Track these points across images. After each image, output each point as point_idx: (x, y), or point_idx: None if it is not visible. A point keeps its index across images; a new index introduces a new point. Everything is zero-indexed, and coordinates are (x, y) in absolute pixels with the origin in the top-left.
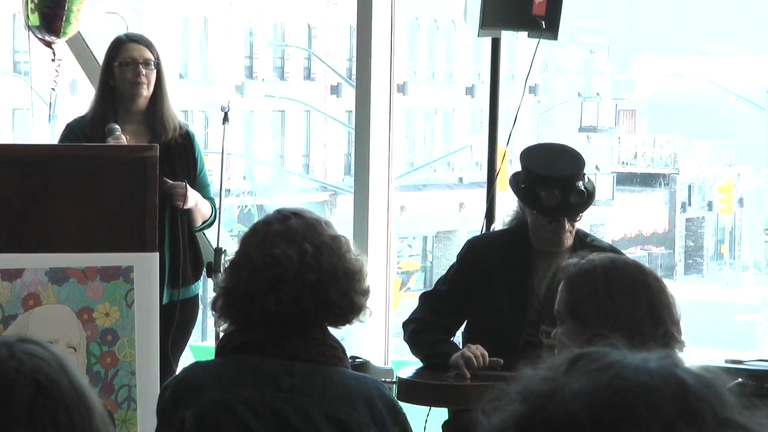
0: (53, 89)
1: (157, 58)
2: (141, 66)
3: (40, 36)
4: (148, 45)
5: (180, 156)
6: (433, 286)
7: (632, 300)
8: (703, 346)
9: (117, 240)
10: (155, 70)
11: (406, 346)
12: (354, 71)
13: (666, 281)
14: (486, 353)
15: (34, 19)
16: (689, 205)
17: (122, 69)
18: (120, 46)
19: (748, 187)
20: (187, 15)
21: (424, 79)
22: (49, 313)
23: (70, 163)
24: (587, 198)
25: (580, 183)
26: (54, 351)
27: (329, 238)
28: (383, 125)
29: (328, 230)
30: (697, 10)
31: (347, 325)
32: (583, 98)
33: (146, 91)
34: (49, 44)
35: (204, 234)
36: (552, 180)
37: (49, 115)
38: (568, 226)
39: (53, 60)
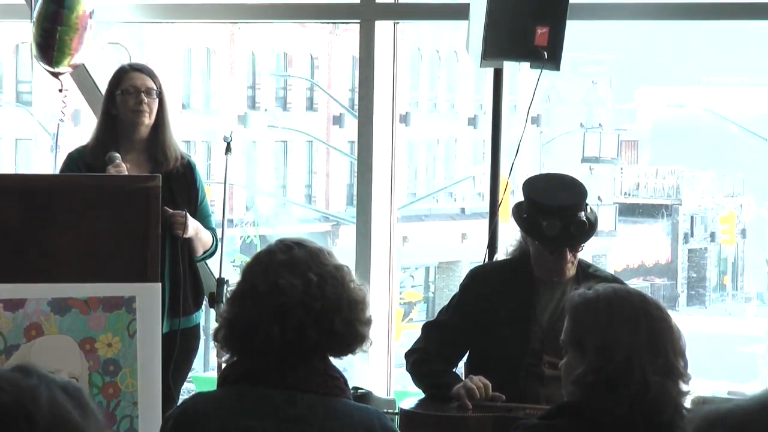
0: (61, 120)
1: (160, 88)
2: (143, 95)
3: (42, 66)
4: (151, 74)
5: (181, 186)
6: (435, 317)
7: (631, 330)
8: (705, 378)
9: (119, 270)
10: (157, 100)
11: (408, 376)
12: (356, 102)
13: (668, 312)
14: (488, 384)
15: (34, 49)
16: (692, 236)
17: (124, 97)
18: (122, 74)
19: (751, 218)
20: (190, 45)
21: (427, 110)
22: (51, 343)
23: (73, 193)
24: (589, 228)
25: (582, 213)
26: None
27: (333, 267)
28: (385, 156)
29: (331, 260)
30: (699, 41)
31: (350, 355)
32: (585, 129)
33: (148, 120)
34: (56, 75)
35: (206, 264)
36: (553, 210)
37: (53, 146)
38: (569, 256)
39: (60, 91)
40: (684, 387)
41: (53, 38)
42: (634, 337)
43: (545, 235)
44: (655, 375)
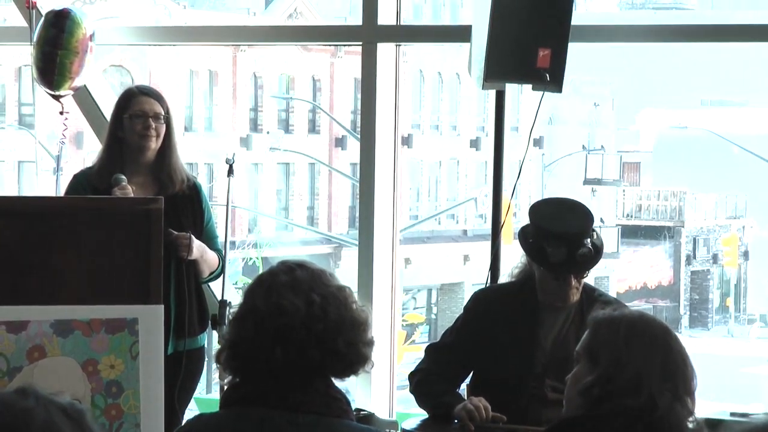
0: (62, 142)
1: (167, 112)
2: (151, 119)
3: (43, 89)
4: (159, 98)
5: (186, 208)
6: (438, 338)
7: (647, 353)
8: (708, 399)
9: (122, 292)
10: (165, 124)
11: (410, 398)
12: (359, 124)
13: (689, 355)
14: (488, 405)
15: (35, 72)
16: (694, 257)
17: (132, 121)
18: (131, 98)
19: (754, 240)
20: (193, 68)
21: (429, 132)
22: (53, 365)
23: (75, 215)
24: (594, 255)
25: (588, 240)
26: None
27: (335, 288)
28: (388, 178)
29: (333, 281)
30: (700, 63)
31: (352, 376)
32: (587, 150)
33: (154, 144)
34: (57, 97)
35: (209, 286)
36: (559, 236)
37: (55, 168)
38: (574, 282)
39: (61, 113)
40: (690, 425)
41: (53, 62)
42: (649, 360)
43: (550, 262)
44: (663, 396)
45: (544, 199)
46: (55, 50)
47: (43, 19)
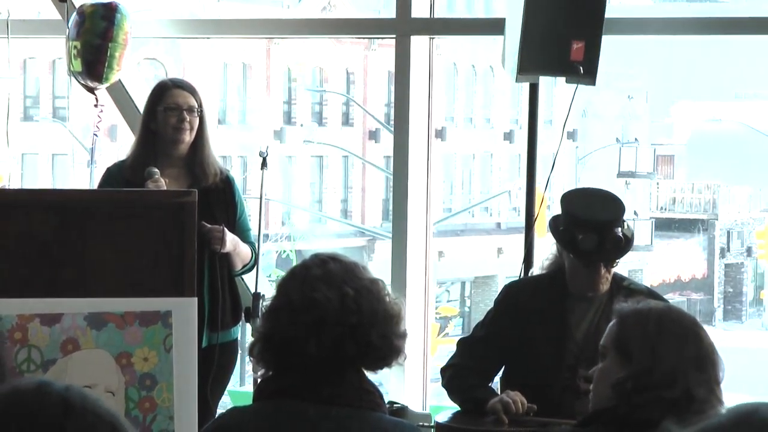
0: (95, 135)
1: (200, 105)
2: (185, 112)
3: (83, 82)
4: (192, 91)
5: (219, 200)
6: (471, 332)
7: (680, 344)
8: (741, 392)
9: (155, 285)
10: (198, 117)
11: (443, 391)
12: (392, 117)
13: (705, 327)
14: (524, 399)
15: (77, 65)
16: (728, 250)
17: (166, 114)
18: (165, 91)
19: None
20: (226, 60)
21: (462, 125)
22: (87, 357)
23: (109, 207)
24: (624, 245)
25: (618, 229)
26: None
27: (368, 281)
28: (421, 170)
29: (366, 274)
30: (734, 56)
31: (385, 369)
32: (621, 143)
33: (188, 137)
34: (91, 90)
35: (242, 279)
36: (590, 224)
37: (89, 160)
38: (603, 271)
39: (96, 105)
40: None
41: (104, 54)
42: (683, 352)
43: (580, 249)
44: (700, 389)
45: (576, 189)
46: (106, 42)
47: (85, 11)
